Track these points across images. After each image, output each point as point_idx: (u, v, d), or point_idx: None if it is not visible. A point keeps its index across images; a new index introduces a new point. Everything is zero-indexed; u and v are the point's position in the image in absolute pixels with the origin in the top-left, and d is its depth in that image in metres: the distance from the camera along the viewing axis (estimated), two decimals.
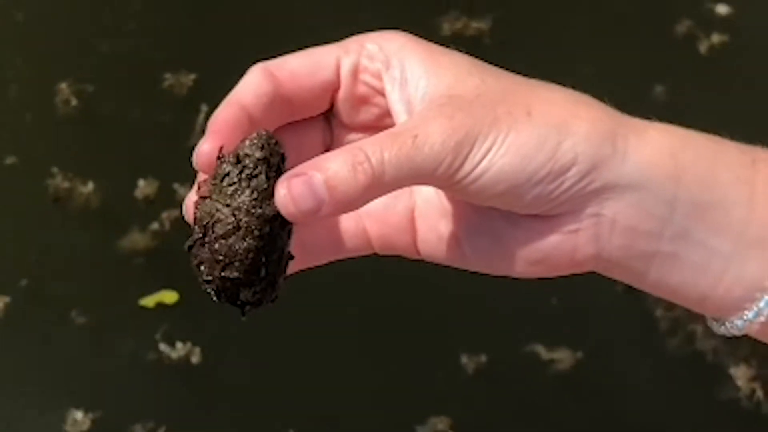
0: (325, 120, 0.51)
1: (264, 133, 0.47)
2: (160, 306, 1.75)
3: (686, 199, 0.46)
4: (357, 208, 0.46)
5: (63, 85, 2.01)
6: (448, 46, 0.49)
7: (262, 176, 0.46)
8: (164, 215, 1.85)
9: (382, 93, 0.49)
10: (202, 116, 1.92)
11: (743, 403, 1.64)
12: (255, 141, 0.47)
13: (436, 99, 0.46)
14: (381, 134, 0.45)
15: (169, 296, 1.75)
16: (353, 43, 0.49)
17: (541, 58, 1.62)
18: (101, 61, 2.08)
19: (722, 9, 2.06)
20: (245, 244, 0.46)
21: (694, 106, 1.89)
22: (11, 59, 2.09)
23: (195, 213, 0.47)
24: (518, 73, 0.49)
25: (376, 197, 0.46)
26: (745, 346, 1.64)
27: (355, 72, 0.49)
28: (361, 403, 1.70)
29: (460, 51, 0.49)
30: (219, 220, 0.46)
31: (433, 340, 1.75)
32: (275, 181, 0.46)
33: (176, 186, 1.88)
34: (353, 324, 1.77)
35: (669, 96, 1.97)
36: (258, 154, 0.46)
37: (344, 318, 1.78)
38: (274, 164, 0.47)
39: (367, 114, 0.50)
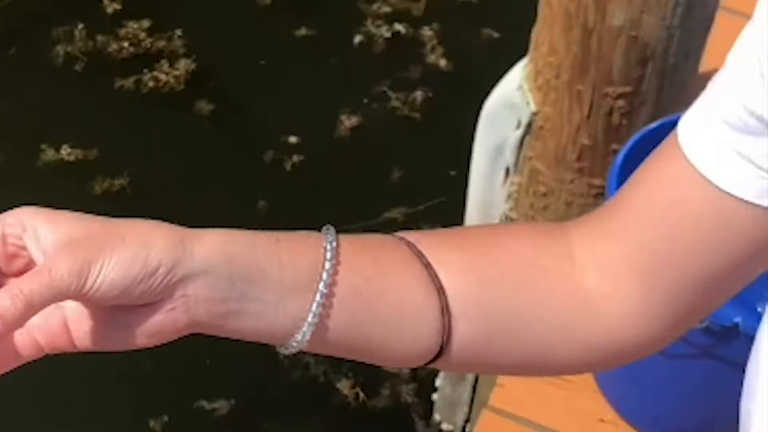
0: None
1: None
2: None
3: (239, 273, 0.66)
4: (20, 326, 0.63)
5: None
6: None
7: None
8: None
9: (24, 248, 0.66)
10: None
11: (352, 405, 2.19)
12: None
13: (58, 243, 0.64)
14: (28, 273, 0.63)
15: None
16: None
17: None
18: None
19: None
20: None
21: None
22: None
23: None
24: None
25: (34, 314, 0.63)
26: (344, 365, 2.19)
27: (3, 239, 0.66)
28: None
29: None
30: None
31: None
32: None
33: None
34: None
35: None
36: None
37: None
38: None
39: (18, 264, 0.67)
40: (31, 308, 0.62)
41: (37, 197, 2.13)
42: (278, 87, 2.68)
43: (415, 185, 2.52)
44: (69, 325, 0.68)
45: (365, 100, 2.67)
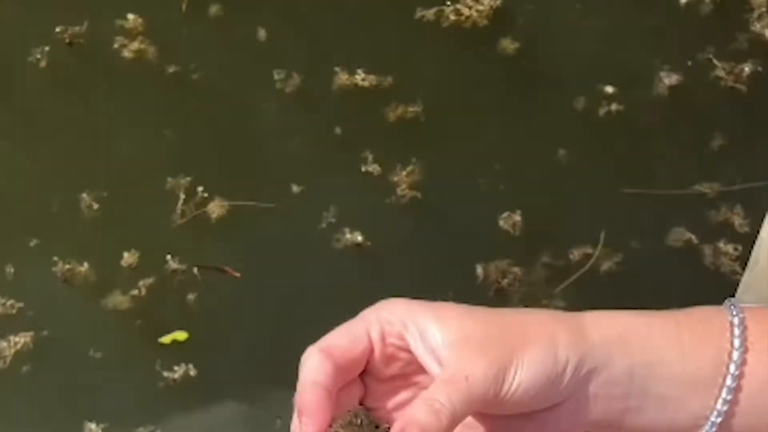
0: (359, 378, 0.63)
1: (360, 411, 0.60)
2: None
3: (639, 364, 0.61)
4: None
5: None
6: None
7: None
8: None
9: (404, 349, 0.61)
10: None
11: None
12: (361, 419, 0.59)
13: (455, 343, 0.59)
14: (439, 382, 0.58)
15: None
16: (371, 315, 0.62)
17: None
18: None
19: None
20: None
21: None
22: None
23: None
24: None
25: (453, 429, 0.57)
26: None
27: (383, 338, 0.61)
28: None
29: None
30: None
31: None
32: None
33: None
34: None
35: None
36: None
37: None
38: None
39: (395, 367, 0.62)
40: (453, 421, 0.57)
41: (331, 118, 2.06)
42: (588, 34, 2.46)
43: (733, 161, 2.28)
44: None
45: (689, 63, 2.42)
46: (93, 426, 1.91)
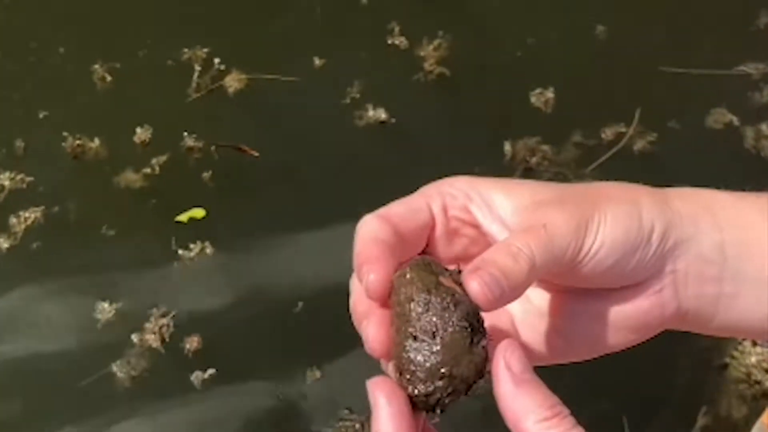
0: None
1: (427, 257, 0.54)
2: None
3: (731, 241, 0.53)
4: (522, 293, 0.51)
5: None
6: None
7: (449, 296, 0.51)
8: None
9: (470, 223, 0.56)
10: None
11: None
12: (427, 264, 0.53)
13: (527, 206, 0.53)
14: (516, 232, 0.52)
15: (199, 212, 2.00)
16: (431, 189, 0.56)
17: None
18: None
19: None
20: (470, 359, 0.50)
21: None
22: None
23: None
24: None
25: (532, 283, 0.51)
26: None
27: (444, 210, 0.55)
28: None
29: None
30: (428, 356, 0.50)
31: None
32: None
33: None
34: None
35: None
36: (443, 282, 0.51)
37: None
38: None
39: (458, 245, 0.56)
40: (533, 270, 0.50)
41: None
42: None
43: None
44: (518, 327, 0.58)
45: None
46: (106, 305, 1.86)
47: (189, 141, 2.06)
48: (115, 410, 1.75)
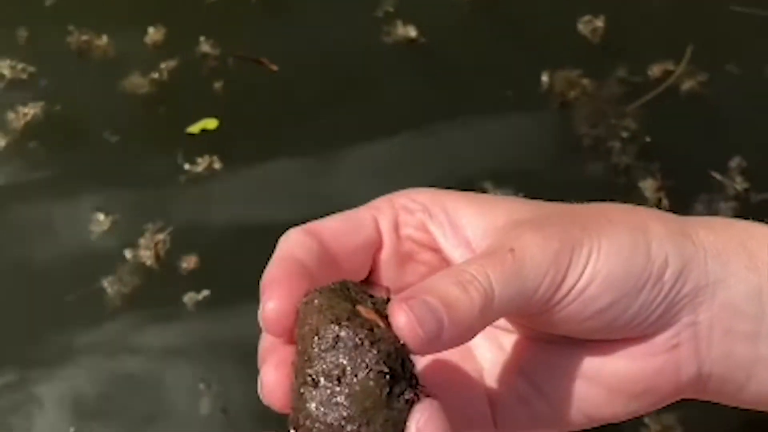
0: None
1: (349, 282, 0.41)
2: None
3: None
4: (472, 336, 0.39)
5: None
6: None
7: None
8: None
9: (429, 246, 0.45)
10: None
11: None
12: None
13: (503, 227, 0.41)
14: (473, 256, 0.41)
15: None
16: (382, 201, 0.46)
17: None
18: None
19: None
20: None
21: None
22: None
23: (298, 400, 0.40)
24: None
25: (487, 324, 0.39)
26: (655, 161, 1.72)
27: (395, 228, 0.45)
28: None
29: None
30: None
31: None
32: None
33: None
34: None
35: None
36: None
37: None
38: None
39: (412, 273, 0.45)
40: (489, 307, 0.37)
41: None
42: None
43: None
44: (489, 385, 0.44)
45: None
46: (102, 217, 1.75)
47: (204, 47, 1.92)
48: (102, 329, 1.64)
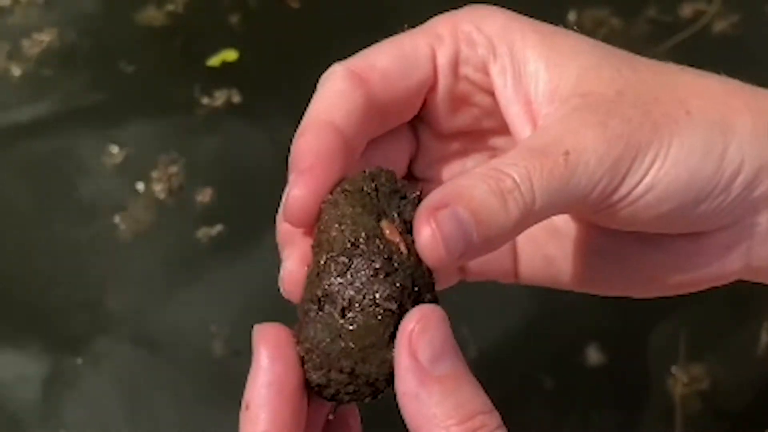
0: (410, 127, 0.42)
1: (382, 172, 0.37)
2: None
3: None
4: (500, 246, 0.35)
5: None
6: None
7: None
8: None
9: (485, 89, 0.40)
10: None
11: None
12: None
13: (567, 99, 0.37)
14: (521, 149, 0.36)
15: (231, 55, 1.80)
16: (444, 25, 0.41)
17: None
18: None
19: None
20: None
21: None
22: None
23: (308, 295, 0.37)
24: None
25: (520, 234, 0.36)
26: None
27: (454, 65, 0.40)
28: None
29: None
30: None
31: None
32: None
33: None
34: None
35: None
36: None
37: None
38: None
39: (464, 117, 0.41)
40: (527, 219, 0.34)
41: None
42: None
43: None
44: (518, 242, 0.41)
45: None
46: (116, 150, 1.71)
47: None
48: (114, 265, 1.62)
